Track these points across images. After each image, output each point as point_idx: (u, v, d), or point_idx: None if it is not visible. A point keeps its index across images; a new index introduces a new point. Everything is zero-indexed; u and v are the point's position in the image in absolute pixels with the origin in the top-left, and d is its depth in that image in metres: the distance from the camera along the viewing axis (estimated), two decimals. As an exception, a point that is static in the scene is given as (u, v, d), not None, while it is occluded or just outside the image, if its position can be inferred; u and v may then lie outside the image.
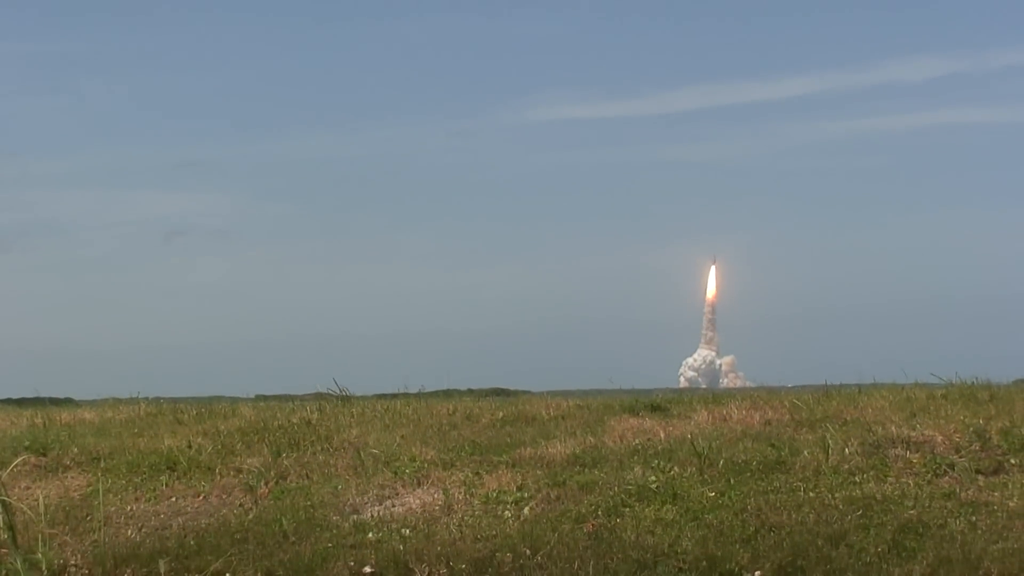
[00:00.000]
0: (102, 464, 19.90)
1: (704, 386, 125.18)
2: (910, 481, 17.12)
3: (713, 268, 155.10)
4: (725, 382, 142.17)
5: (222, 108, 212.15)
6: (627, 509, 16.65)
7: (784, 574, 15.02)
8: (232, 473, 19.19)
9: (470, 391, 36.37)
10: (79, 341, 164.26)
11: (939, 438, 18.37)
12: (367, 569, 15.68)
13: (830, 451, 18.00)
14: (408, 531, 16.46)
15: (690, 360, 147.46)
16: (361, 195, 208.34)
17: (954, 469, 17.37)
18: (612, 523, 16.24)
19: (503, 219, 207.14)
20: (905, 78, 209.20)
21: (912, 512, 16.06)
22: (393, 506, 17.49)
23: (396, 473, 18.47)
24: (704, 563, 15.17)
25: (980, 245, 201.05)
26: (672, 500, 16.80)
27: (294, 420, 22.35)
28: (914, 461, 17.74)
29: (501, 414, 22.46)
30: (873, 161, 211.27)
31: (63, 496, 18.58)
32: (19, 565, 9.53)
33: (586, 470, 18.13)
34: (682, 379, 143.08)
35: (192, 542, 16.51)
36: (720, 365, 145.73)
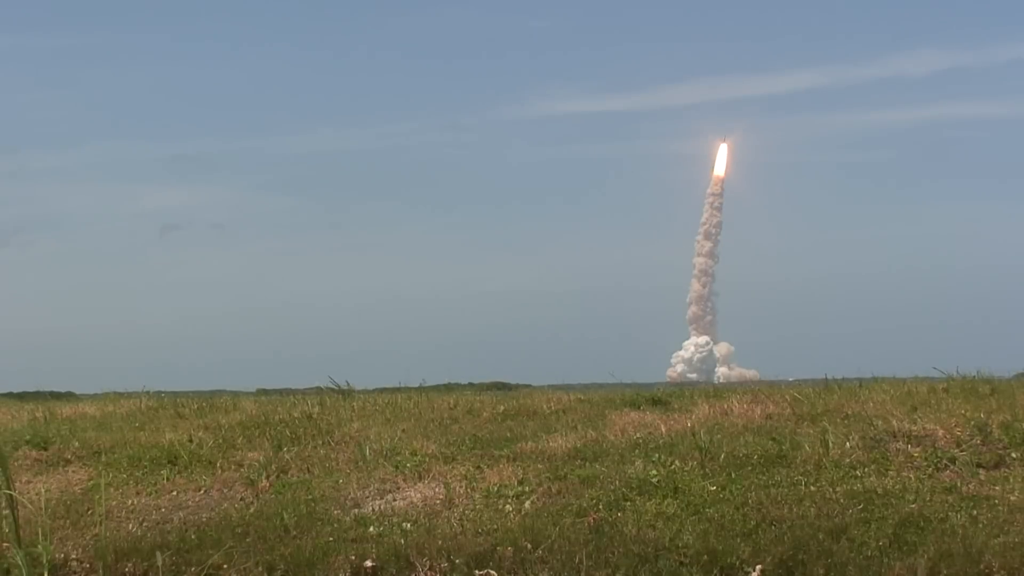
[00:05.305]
0: (103, 458, 19.91)
1: (698, 380, 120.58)
2: (911, 475, 17.13)
3: (724, 146, 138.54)
4: (723, 371, 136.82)
5: (220, 102, 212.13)
6: (628, 503, 16.66)
7: (785, 568, 15.02)
8: (233, 467, 19.20)
9: (471, 385, 36.41)
10: (79, 335, 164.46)
11: (940, 432, 18.38)
12: (368, 563, 15.67)
13: (831, 445, 18.01)
14: (409, 525, 16.46)
15: (681, 352, 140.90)
16: (361, 189, 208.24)
17: (955, 463, 17.38)
18: (613, 517, 16.24)
19: (504, 212, 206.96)
20: (908, 72, 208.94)
21: (913, 506, 16.06)
22: (394, 500, 17.49)
23: (397, 467, 18.48)
24: (705, 557, 15.17)
25: (982, 239, 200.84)
26: (673, 494, 16.80)
27: (295, 414, 22.38)
28: (915, 455, 17.75)
29: (502, 408, 22.48)
30: (875, 155, 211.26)
31: (64, 490, 18.59)
32: (20, 559, 9.54)
33: (587, 464, 18.14)
34: (671, 372, 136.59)
35: (193, 536, 16.51)
36: (717, 357, 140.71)
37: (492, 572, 15.43)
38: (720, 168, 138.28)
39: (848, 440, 18.24)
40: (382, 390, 28.44)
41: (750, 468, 17.52)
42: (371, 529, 16.43)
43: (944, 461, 17.45)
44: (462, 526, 16.33)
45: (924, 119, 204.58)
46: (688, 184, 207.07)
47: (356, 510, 17.16)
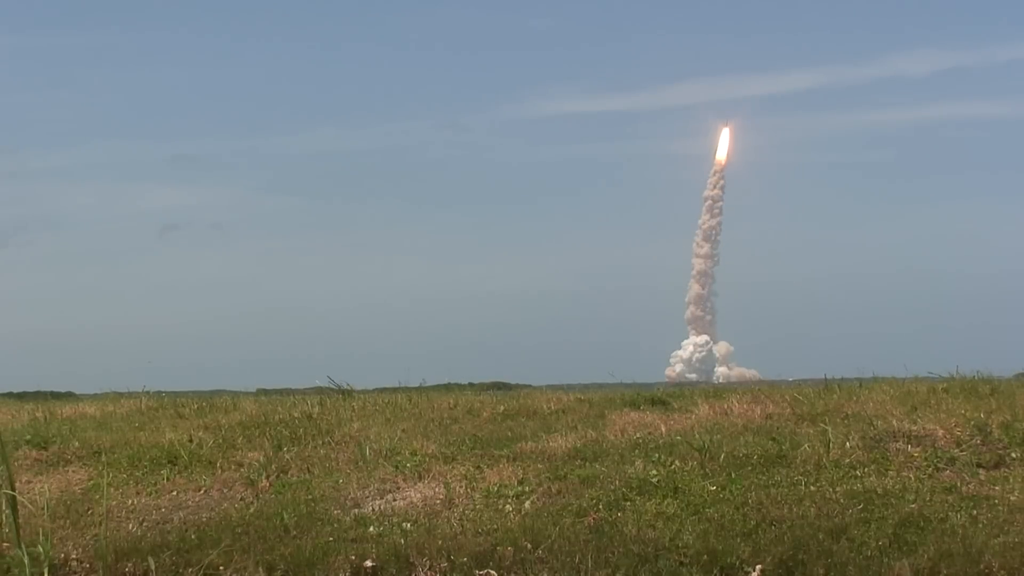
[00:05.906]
0: (103, 458, 19.90)
1: (697, 380, 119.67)
2: (911, 475, 17.13)
3: (726, 131, 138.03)
4: (722, 371, 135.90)
5: (219, 102, 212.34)
6: (628, 503, 16.65)
7: (785, 568, 15.02)
8: (233, 467, 19.20)
9: (471, 385, 36.42)
10: (79, 335, 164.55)
11: (940, 432, 18.39)
12: (368, 563, 15.67)
13: (831, 445, 18.02)
14: (409, 525, 16.46)
15: (680, 352, 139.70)
16: (361, 189, 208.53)
17: (955, 463, 17.39)
18: (613, 517, 16.24)
19: (504, 213, 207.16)
20: (909, 72, 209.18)
21: (913, 506, 16.06)
22: (394, 500, 17.49)
23: (397, 467, 18.47)
24: (705, 557, 15.17)
25: (982, 239, 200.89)
26: (673, 494, 16.80)
27: (295, 414, 22.38)
28: (915, 455, 17.76)
29: (502, 408, 22.49)
30: (875, 155, 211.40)
31: (64, 490, 18.58)
32: (21, 559, 9.55)
33: (587, 464, 18.14)
34: (669, 372, 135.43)
35: (193, 536, 16.51)
36: (717, 357, 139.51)
37: (492, 572, 15.43)
38: (722, 152, 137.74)
39: (848, 440, 18.24)
40: (382, 390, 28.44)
41: (750, 468, 17.52)
42: (371, 529, 16.42)
43: (944, 461, 17.45)
44: (462, 526, 16.33)
45: (924, 119, 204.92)
46: (688, 184, 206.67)
47: (356, 510, 17.16)
